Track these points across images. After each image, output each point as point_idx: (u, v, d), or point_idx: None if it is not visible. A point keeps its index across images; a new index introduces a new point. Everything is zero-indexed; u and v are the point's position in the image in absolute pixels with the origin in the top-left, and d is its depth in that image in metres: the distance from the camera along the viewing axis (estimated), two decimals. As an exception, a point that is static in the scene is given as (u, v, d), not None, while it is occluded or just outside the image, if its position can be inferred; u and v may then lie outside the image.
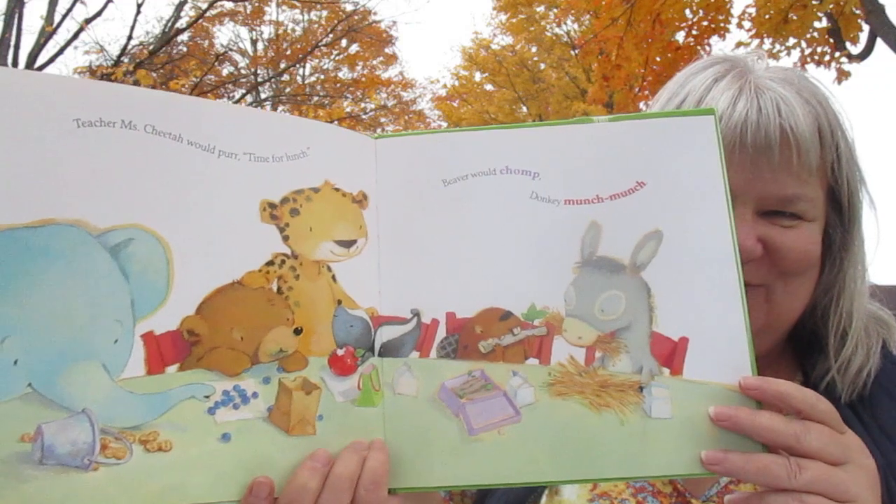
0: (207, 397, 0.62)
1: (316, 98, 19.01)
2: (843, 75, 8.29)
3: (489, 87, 22.21)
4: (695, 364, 0.66)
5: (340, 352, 0.67)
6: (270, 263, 0.66)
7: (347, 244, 0.69)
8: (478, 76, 22.69)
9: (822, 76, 8.29)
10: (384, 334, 0.69)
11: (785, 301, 0.87)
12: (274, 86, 20.13)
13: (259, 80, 19.76)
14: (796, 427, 0.62)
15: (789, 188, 0.83)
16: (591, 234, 0.68)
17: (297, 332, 0.66)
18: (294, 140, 0.69)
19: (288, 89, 20.04)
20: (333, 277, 0.69)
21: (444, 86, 22.83)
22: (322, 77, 21.38)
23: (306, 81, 21.12)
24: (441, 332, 0.68)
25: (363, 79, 20.80)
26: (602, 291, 0.67)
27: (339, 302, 0.69)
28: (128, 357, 0.60)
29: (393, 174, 0.71)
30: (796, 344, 0.96)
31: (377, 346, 0.69)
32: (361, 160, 0.72)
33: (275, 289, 0.66)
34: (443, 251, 0.69)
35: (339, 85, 20.93)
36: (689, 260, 0.67)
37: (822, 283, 0.91)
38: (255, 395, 0.64)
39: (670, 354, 0.66)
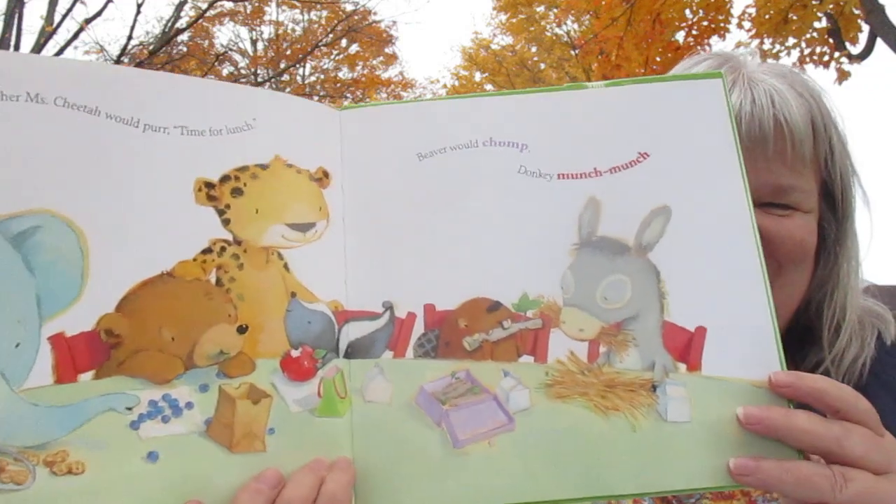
0: (130, 409, 0.53)
1: (316, 98, 19.01)
2: (843, 75, 8.28)
3: (489, 87, 22.20)
4: (715, 358, 0.57)
5: (295, 353, 0.57)
6: (208, 251, 0.57)
7: (303, 227, 0.60)
8: (478, 76, 22.67)
9: (822, 76, 8.29)
10: (351, 332, 0.58)
11: (780, 295, 0.87)
12: (274, 86, 20.12)
13: (259, 80, 19.75)
14: (837, 430, 0.54)
15: (784, 178, 0.84)
16: (589, 211, 0.59)
17: (242, 330, 0.56)
18: (236, 111, 0.60)
19: (288, 89, 20.03)
20: (286, 266, 0.59)
21: (444, 86, 22.81)
22: (322, 77, 21.36)
23: (306, 81, 21.10)
24: (419, 328, 0.58)
25: (363, 79, 20.79)
26: (604, 276, 0.58)
27: (294, 294, 0.59)
28: (32, 363, 0.51)
29: (360, 149, 0.62)
30: (787, 337, 0.96)
31: (342, 346, 0.59)
32: (323, 134, 0.63)
33: (213, 280, 0.57)
34: (419, 235, 0.60)
35: (339, 85, 20.92)
36: (703, 239, 0.59)
37: (816, 278, 0.91)
38: (189, 405, 0.55)
39: (686, 347, 0.56)
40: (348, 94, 19.91)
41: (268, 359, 0.57)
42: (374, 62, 21.90)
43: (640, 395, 0.55)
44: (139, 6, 12.33)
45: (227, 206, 0.58)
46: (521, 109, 0.62)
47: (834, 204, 0.90)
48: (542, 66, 21.13)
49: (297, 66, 20.08)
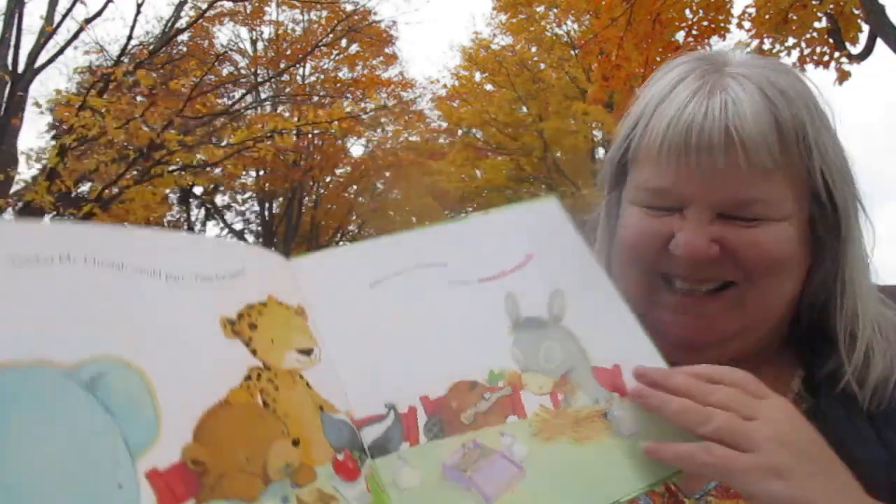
0: None
1: (316, 98, 19.00)
2: (843, 75, 8.29)
3: (489, 87, 22.17)
4: (632, 383, 0.74)
5: (340, 456, 0.65)
6: (248, 378, 0.63)
7: (307, 352, 0.69)
8: (478, 76, 22.64)
9: (822, 76, 8.28)
10: (368, 435, 0.68)
11: (759, 302, 0.85)
12: (274, 86, 20.12)
13: (259, 80, 19.75)
14: (704, 387, 0.69)
15: (741, 192, 0.82)
16: (509, 303, 0.77)
17: (296, 443, 0.63)
18: (229, 259, 0.69)
19: (288, 89, 20.03)
20: (308, 384, 0.67)
21: (444, 86, 22.78)
22: (322, 77, 21.36)
23: (306, 81, 21.10)
24: (422, 417, 0.70)
25: (363, 79, 20.78)
26: (539, 345, 0.75)
27: (321, 408, 0.67)
28: (137, 502, 0.53)
29: (317, 288, 0.73)
30: (800, 340, 0.94)
31: (366, 448, 0.68)
32: (289, 277, 0.73)
33: (260, 403, 0.63)
34: (393, 344, 0.73)
35: (339, 85, 20.91)
36: (589, 305, 0.79)
37: (814, 282, 0.89)
38: None
39: (613, 381, 0.74)
40: (348, 94, 19.90)
41: (321, 465, 0.63)
42: (374, 62, 21.90)
43: (599, 422, 0.71)
44: (139, 6, 12.33)
45: (250, 339, 0.66)
46: (430, 239, 0.80)
47: (825, 206, 0.86)
48: (542, 66, 21.10)
49: (297, 66, 20.07)
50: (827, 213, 0.86)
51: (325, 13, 20.06)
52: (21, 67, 11.79)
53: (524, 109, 21.15)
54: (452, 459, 0.67)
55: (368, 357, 0.71)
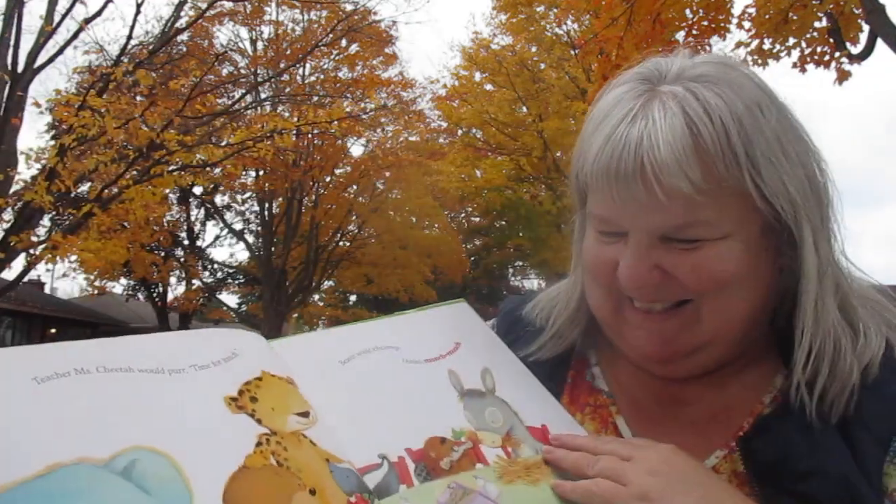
0: None
1: (316, 98, 19.00)
2: (843, 75, 8.29)
3: (489, 87, 22.20)
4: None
5: (353, 500, 0.72)
6: (259, 444, 0.71)
7: (305, 415, 0.78)
8: (478, 76, 22.66)
9: (821, 76, 8.27)
10: (370, 481, 0.77)
11: (716, 316, 0.85)
12: (274, 85, 20.11)
13: (259, 79, 19.74)
14: (597, 443, 0.84)
15: (669, 220, 0.81)
16: (453, 378, 0.91)
17: (313, 492, 0.70)
18: (220, 347, 0.80)
19: (288, 89, 20.03)
20: (311, 442, 0.76)
21: (444, 86, 22.80)
22: (322, 77, 21.36)
23: (306, 81, 21.10)
24: (410, 464, 0.80)
25: (363, 78, 20.78)
26: (484, 410, 0.89)
27: (327, 460, 0.75)
28: None
29: (299, 364, 0.85)
30: (771, 351, 0.93)
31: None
32: (274, 356, 0.85)
33: (274, 463, 0.71)
34: (370, 408, 0.85)
35: (338, 85, 20.91)
36: (511, 380, 0.95)
37: (779, 289, 0.88)
38: None
39: (544, 437, 0.89)
40: (348, 94, 19.89)
41: None
42: (374, 62, 21.90)
43: (544, 467, 0.84)
44: (139, 6, 12.32)
45: (253, 410, 0.74)
46: (382, 329, 0.96)
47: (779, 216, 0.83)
48: (542, 66, 21.11)
49: (297, 65, 20.06)
50: (775, 221, 0.84)
51: (325, 13, 20.07)
52: (21, 67, 11.79)
53: (524, 109, 21.15)
54: (443, 497, 0.78)
55: (354, 418, 0.82)
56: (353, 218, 23.40)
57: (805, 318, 0.85)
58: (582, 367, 1.03)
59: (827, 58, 8.30)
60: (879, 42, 7.81)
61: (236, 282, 27.27)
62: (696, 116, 0.80)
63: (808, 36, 8.24)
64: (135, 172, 11.98)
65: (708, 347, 0.88)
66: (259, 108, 19.24)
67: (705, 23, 8.40)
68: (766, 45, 8.34)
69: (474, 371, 0.94)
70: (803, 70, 8.45)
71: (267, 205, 22.76)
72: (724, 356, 0.90)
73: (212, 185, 20.67)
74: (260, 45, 21.43)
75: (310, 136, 18.69)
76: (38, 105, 12.07)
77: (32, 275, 17.39)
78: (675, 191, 0.79)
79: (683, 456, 0.80)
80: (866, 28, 8.09)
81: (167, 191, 15.56)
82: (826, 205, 0.87)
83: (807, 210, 0.84)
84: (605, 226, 0.88)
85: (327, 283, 27.22)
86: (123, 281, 23.17)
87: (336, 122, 13.95)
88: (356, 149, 23.33)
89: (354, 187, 23.02)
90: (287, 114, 17.61)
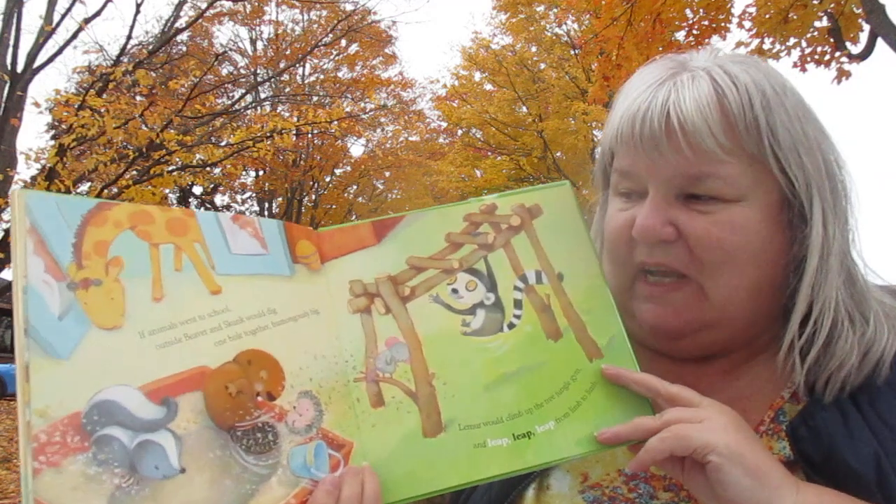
0: None
1: (315, 98, 18.99)
2: (843, 75, 8.28)
3: (489, 87, 22.18)
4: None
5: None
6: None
7: None
8: (478, 76, 22.64)
9: (822, 76, 8.28)
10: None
11: (721, 295, 0.87)
12: (273, 85, 20.11)
13: (258, 79, 19.74)
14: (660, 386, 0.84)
15: (692, 167, 0.85)
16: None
17: None
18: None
19: (287, 89, 20.02)
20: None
21: (444, 86, 22.79)
22: (322, 77, 21.36)
23: (306, 81, 21.10)
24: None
25: (363, 79, 20.78)
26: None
27: None
28: None
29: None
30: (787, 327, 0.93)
31: None
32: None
33: None
34: None
35: (338, 85, 20.91)
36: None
37: (789, 265, 0.89)
38: None
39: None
40: (348, 94, 19.88)
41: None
42: (374, 62, 21.90)
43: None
44: (139, 6, 12.32)
45: None
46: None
47: (795, 189, 0.86)
48: (542, 66, 21.10)
49: (297, 65, 20.06)
50: (791, 195, 0.87)
51: (324, 13, 20.07)
52: (20, 67, 11.79)
53: (524, 109, 21.14)
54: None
55: None
56: (353, 218, 23.40)
57: (804, 287, 0.87)
58: None
59: (827, 57, 8.30)
60: (879, 42, 7.80)
61: (236, 282, 27.18)
62: (724, 83, 0.86)
63: (809, 36, 8.24)
64: (134, 172, 11.97)
65: (717, 325, 0.89)
66: (259, 108, 19.24)
67: (705, 22, 8.40)
68: (767, 45, 8.33)
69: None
70: (803, 70, 8.45)
71: (267, 205, 22.76)
72: (734, 338, 0.91)
73: (212, 186, 20.64)
74: (260, 44, 21.42)
75: (310, 136, 18.69)
76: (37, 105, 12.02)
77: (32, 275, 17.27)
78: (698, 143, 0.84)
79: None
80: (866, 28, 8.09)
81: (167, 191, 15.54)
82: (842, 196, 0.90)
83: (819, 188, 0.87)
84: (626, 182, 0.92)
85: (327, 283, 27.11)
86: (123, 281, 23.09)
87: (336, 122, 13.93)
88: (356, 149, 23.37)
89: (354, 187, 23.03)
90: (287, 114, 17.59)
